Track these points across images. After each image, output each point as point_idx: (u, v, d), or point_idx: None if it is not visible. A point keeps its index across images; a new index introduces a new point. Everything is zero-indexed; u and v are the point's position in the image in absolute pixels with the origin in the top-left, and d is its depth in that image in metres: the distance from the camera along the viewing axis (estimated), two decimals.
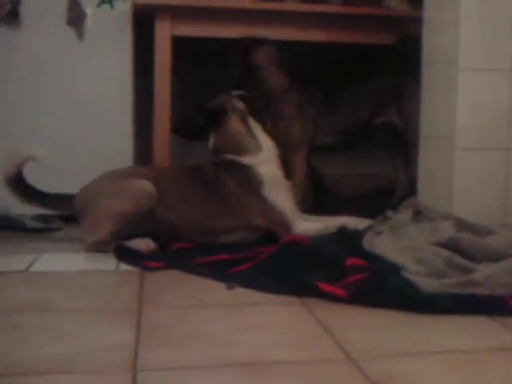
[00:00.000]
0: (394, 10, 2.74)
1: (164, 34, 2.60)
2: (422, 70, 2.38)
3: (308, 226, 2.27)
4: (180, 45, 2.67)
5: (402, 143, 2.91)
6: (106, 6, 2.60)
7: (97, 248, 2.14)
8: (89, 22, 2.63)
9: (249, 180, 2.30)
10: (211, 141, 2.41)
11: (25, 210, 2.53)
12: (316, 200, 2.87)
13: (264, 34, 2.69)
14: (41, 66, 2.62)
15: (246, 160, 2.33)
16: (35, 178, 2.29)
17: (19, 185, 2.27)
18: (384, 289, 1.61)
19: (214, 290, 1.74)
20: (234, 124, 2.38)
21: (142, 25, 2.66)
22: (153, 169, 2.50)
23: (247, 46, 2.69)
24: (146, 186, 2.21)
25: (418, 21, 2.39)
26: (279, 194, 2.31)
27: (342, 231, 2.25)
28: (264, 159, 2.34)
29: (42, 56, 2.62)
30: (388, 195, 2.94)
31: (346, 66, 3.00)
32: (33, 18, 2.59)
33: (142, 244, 2.12)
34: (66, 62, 2.64)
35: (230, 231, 2.29)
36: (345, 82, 2.88)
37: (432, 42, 2.33)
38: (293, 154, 2.72)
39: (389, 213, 2.24)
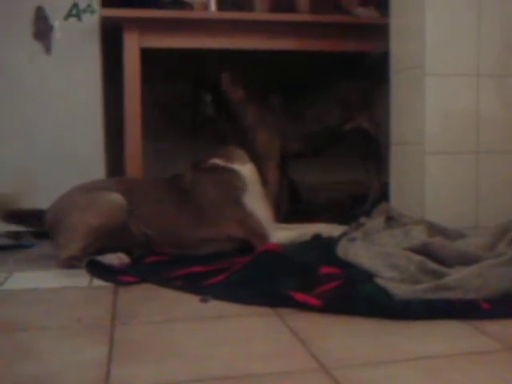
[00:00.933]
0: (362, 18, 2.76)
1: (132, 46, 2.58)
2: (389, 76, 2.41)
3: (283, 235, 2.27)
4: (150, 57, 2.66)
5: (374, 149, 2.93)
6: (74, 19, 2.59)
7: (70, 264, 2.11)
8: (57, 35, 2.61)
9: (231, 184, 2.31)
10: None
11: None
12: (290, 207, 2.87)
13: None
14: (10, 79, 2.59)
15: (234, 165, 2.36)
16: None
17: None
18: (357, 296, 1.61)
19: (188, 303, 1.72)
20: None
21: (111, 36, 2.65)
22: (124, 181, 2.47)
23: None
24: (116, 198, 2.19)
25: (386, 28, 2.42)
26: (258, 202, 2.31)
27: (317, 239, 2.26)
28: (250, 168, 2.37)
29: (9, 70, 2.59)
30: (361, 201, 2.96)
31: (316, 72, 3.01)
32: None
33: (115, 258, 2.10)
34: (34, 75, 2.61)
35: (205, 242, 2.27)
36: (314, 88, 2.89)
37: (399, 48, 2.35)
38: (263, 163, 2.72)
39: (362, 219, 2.25)
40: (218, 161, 2.38)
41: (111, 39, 2.66)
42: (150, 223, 2.24)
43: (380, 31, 2.50)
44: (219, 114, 2.81)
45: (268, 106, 2.82)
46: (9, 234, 2.53)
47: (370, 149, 2.97)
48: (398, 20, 2.37)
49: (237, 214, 2.27)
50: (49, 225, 2.23)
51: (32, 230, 2.47)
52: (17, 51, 2.58)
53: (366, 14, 2.78)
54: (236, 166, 2.36)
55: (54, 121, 2.63)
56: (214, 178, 2.33)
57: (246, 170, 2.36)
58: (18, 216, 2.28)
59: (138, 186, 2.35)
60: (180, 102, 3.19)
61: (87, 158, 2.64)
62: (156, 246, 2.25)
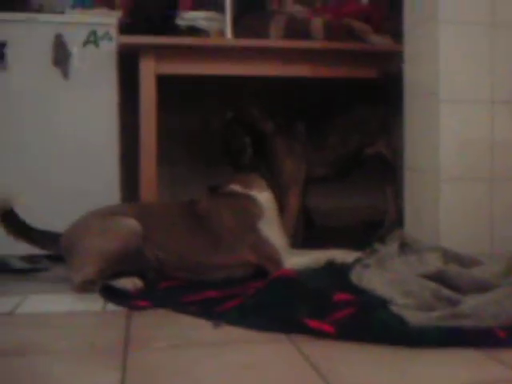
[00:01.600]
0: (377, 46, 2.77)
1: (148, 72, 2.61)
2: (404, 103, 2.41)
3: (298, 260, 2.26)
4: (168, 85, 2.70)
5: (391, 174, 2.93)
6: (91, 46, 2.63)
7: (84, 288, 2.12)
8: (75, 61, 2.65)
9: (248, 210, 2.32)
10: None
11: (11, 251, 2.52)
12: (304, 233, 2.87)
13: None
14: (26, 106, 2.63)
15: (252, 192, 2.37)
16: None
17: (10, 217, 2.27)
18: (371, 323, 1.60)
19: (202, 328, 1.72)
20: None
21: (128, 63, 2.69)
22: (139, 205, 2.49)
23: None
24: (131, 224, 2.20)
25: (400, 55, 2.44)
26: (273, 229, 2.31)
27: (331, 264, 2.25)
28: (267, 195, 2.38)
29: (28, 96, 2.63)
30: (376, 227, 2.95)
31: (334, 99, 3.03)
32: (19, 59, 2.61)
33: (129, 283, 2.10)
34: (51, 102, 2.64)
35: (219, 268, 2.27)
36: (334, 114, 2.91)
37: (413, 75, 2.36)
38: (286, 191, 2.74)
39: (376, 245, 2.24)
40: (235, 187, 2.39)
41: (128, 66, 2.70)
42: (164, 248, 2.24)
43: (394, 58, 2.52)
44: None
45: (293, 134, 2.84)
46: (24, 258, 2.55)
47: (388, 174, 2.97)
48: (411, 47, 2.38)
49: (251, 240, 2.28)
50: (64, 248, 2.24)
51: (47, 254, 2.48)
52: (37, 77, 2.62)
53: (381, 41, 2.80)
54: (253, 193, 2.37)
55: (70, 145, 2.66)
56: (231, 204, 2.34)
57: (264, 197, 2.37)
58: (36, 235, 2.29)
59: (153, 211, 2.37)
60: (196, 128, 3.22)
61: (102, 183, 2.66)
62: (169, 271, 2.25)
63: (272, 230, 2.31)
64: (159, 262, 2.24)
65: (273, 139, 2.78)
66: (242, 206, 2.34)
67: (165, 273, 2.24)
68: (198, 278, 2.24)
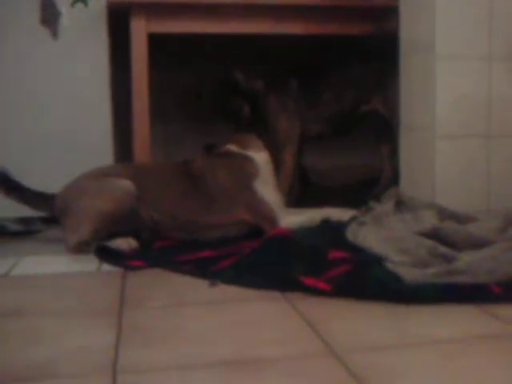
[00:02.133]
0: (371, 2, 2.72)
1: (139, 31, 2.56)
2: (400, 60, 2.38)
3: (293, 219, 2.26)
4: (160, 44, 2.65)
5: (388, 132, 2.90)
6: (80, 5, 2.57)
7: (79, 249, 2.11)
8: (64, 21, 2.59)
9: (243, 170, 2.31)
10: None
11: (6, 214, 2.51)
12: (299, 192, 2.86)
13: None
14: (17, 65, 2.58)
15: (249, 152, 2.36)
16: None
17: (2, 174, 2.26)
18: (367, 280, 1.60)
19: (197, 287, 1.72)
20: None
21: (118, 22, 2.64)
22: (133, 166, 2.47)
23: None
24: (126, 184, 2.19)
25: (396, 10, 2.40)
26: (269, 188, 2.31)
27: (326, 223, 2.24)
28: (264, 156, 2.37)
29: (18, 56, 2.58)
30: (372, 185, 2.94)
31: (331, 55, 3.00)
32: (5, 19, 2.55)
33: (124, 244, 2.10)
34: (42, 61, 2.60)
35: (215, 227, 2.27)
36: (329, 71, 2.88)
37: (409, 31, 2.33)
38: (282, 149, 2.72)
39: (372, 203, 2.23)
40: (232, 147, 2.38)
41: (119, 24, 2.64)
42: (158, 208, 2.24)
43: (390, 13, 2.48)
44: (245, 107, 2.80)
45: (286, 91, 2.81)
46: (17, 220, 2.53)
47: (384, 132, 2.95)
48: (407, 2, 2.33)
49: (247, 199, 2.27)
50: (58, 210, 2.23)
51: (40, 216, 2.47)
52: (24, 38, 2.56)
53: None
54: (250, 153, 2.36)
55: (62, 105, 2.62)
56: (227, 164, 2.33)
57: (260, 157, 2.36)
58: (28, 195, 2.28)
59: (147, 171, 2.36)
60: (189, 87, 3.19)
61: (95, 142, 2.63)
62: (164, 231, 2.25)
63: (267, 190, 2.30)
64: (154, 222, 2.23)
65: (265, 98, 2.76)
66: (238, 165, 2.33)
67: (159, 233, 2.24)
68: (193, 238, 2.24)
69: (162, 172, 2.36)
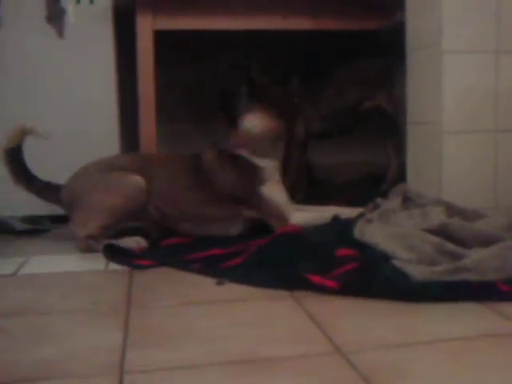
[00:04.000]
0: None
1: (145, 28, 2.56)
2: (406, 55, 2.36)
3: (303, 216, 2.26)
4: (166, 39, 2.65)
5: (393, 128, 2.88)
6: (86, 2, 2.57)
7: (87, 244, 2.11)
8: (70, 18, 2.59)
9: (252, 177, 2.29)
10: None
11: (13, 212, 2.52)
12: (307, 190, 2.85)
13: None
14: (23, 63, 2.58)
15: (258, 161, 2.31)
16: None
17: (15, 160, 2.24)
18: (374, 278, 1.60)
19: (205, 286, 1.72)
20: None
21: (126, 19, 2.63)
22: (140, 157, 2.45)
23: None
24: (137, 180, 2.19)
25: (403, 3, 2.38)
26: (274, 189, 2.30)
27: (336, 219, 2.23)
28: (273, 164, 2.33)
29: (24, 54, 2.58)
30: (379, 182, 2.93)
31: (336, 51, 2.98)
32: (12, 18, 2.55)
33: (133, 243, 2.10)
34: (47, 59, 2.60)
35: (222, 221, 2.28)
36: (333, 67, 2.85)
37: (415, 26, 2.31)
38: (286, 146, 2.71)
39: (379, 200, 2.22)
40: (244, 152, 2.32)
41: (125, 22, 2.64)
42: (166, 199, 2.24)
43: (397, 7, 2.46)
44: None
45: (290, 88, 2.79)
46: (25, 219, 2.54)
47: (389, 128, 2.93)
48: None
49: (255, 202, 2.27)
50: (65, 201, 2.23)
51: (48, 214, 2.47)
52: (30, 35, 2.56)
53: None
54: (260, 162, 2.30)
55: (68, 104, 2.62)
56: (236, 169, 2.30)
57: (269, 165, 2.31)
58: (36, 183, 2.26)
59: (154, 162, 2.34)
60: (197, 84, 3.18)
61: (101, 140, 2.63)
62: (170, 223, 2.25)
63: (275, 190, 2.29)
64: (160, 213, 2.23)
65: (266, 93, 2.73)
66: (247, 173, 2.30)
67: (167, 225, 2.24)
68: (201, 232, 2.24)
69: (170, 163, 2.35)
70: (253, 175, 2.29)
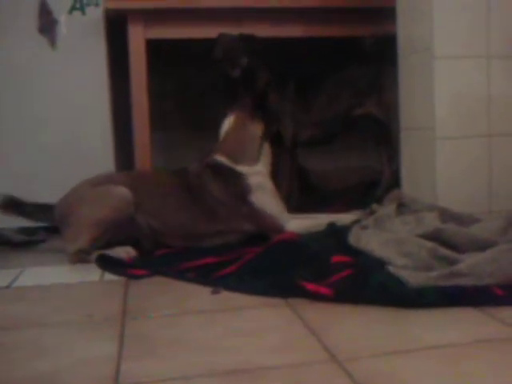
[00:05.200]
0: (369, 2, 2.71)
1: (137, 37, 2.57)
2: (398, 61, 2.37)
3: (298, 223, 2.26)
4: (158, 48, 2.65)
5: (385, 134, 2.89)
6: (78, 13, 2.57)
7: (78, 257, 2.12)
8: (62, 29, 2.59)
9: (236, 187, 2.27)
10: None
11: (8, 224, 2.51)
12: (301, 196, 2.85)
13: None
14: (16, 74, 2.58)
15: (240, 168, 2.30)
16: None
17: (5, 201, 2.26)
18: (369, 285, 1.59)
19: (200, 295, 1.72)
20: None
21: (117, 29, 2.64)
22: (131, 174, 2.46)
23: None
24: (122, 192, 2.20)
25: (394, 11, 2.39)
26: (266, 197, 2.29)
27: (331, 226, 2.23)
28: (258, 170, 2.32)
29: (17, 64, 2.58)
30: (373, 188, 2.93)
31: (323, 58, 2.98)
32: (5, 28, 2.55)
33: (123, 252, 2.11)
34: (40, 70, 2.60)
35: (214, 235, 2.26)
36: (324, 74, 2.85)
37: (407, 32, 2.32)
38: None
39: (373, 206, 2.22)
40: (222, 159, 2.31)
41: (117, 32, 2.65)
42: (156, 216, 2.24)
43: (388, 15, 2.47)
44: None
45: (283, 94, 2.78)
46: (21, 230, 2.54)
47: (381, 134, 2.93)
48: (405, 3, 2.33)
49: (246, 212, 2.26)
50: (58, 219, 2.24)
51: (43, 226, 2.47)
52: (22, 46, 2.56)
53: None
54: (241, 168, 2.30)
55: (62, 115, 2.62)
56: (218, 179, 2.28)
57: (252, 170, 2.30)
58: (27, 209, 2.28)
59: (146, 180, 2.36)
60: (189, 92, 3.18)
61: (96, 150, 2.64)
62: (162, 239, 2.25)
63: (266, 199, 2.28)
64: (152, 230, 2.23)
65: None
66: (230, 182, 2.28)
67: (158, 241, 2.24)
68: (193, 245, 2.23)
69: (161, 180, 2.35)
70: (236, 183, 2.27)
